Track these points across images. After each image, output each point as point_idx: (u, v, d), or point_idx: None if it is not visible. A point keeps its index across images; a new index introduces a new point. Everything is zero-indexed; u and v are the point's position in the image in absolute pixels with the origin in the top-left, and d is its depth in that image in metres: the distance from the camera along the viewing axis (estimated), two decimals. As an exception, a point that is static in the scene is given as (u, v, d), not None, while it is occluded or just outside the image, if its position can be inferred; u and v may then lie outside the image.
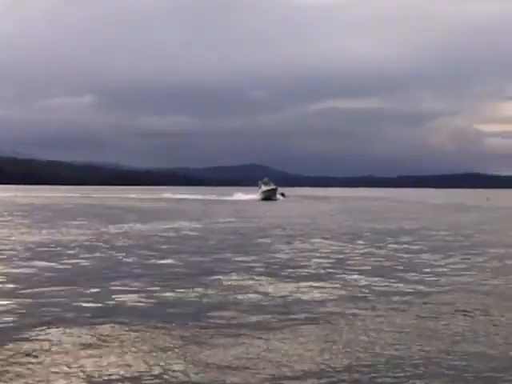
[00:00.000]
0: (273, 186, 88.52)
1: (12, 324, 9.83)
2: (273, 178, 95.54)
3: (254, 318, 10.40)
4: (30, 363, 7.72)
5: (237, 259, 18.56)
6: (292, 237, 26.83)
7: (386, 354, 8.34)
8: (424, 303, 11.89)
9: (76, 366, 7.64)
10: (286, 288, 13.46)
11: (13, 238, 24.67)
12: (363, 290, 13.43)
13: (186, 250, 20.90)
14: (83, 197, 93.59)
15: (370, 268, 17.01)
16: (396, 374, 7.48)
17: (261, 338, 9.04)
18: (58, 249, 20.87)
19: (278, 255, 19.82)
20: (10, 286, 13.36)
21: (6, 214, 42.59)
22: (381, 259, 19.08)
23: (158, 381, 7.23)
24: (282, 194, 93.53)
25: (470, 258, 19.49)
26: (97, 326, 9.59)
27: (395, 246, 23.41)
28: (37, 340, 8.78)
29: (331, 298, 12.44)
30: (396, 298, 12.39)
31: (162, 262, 17.86)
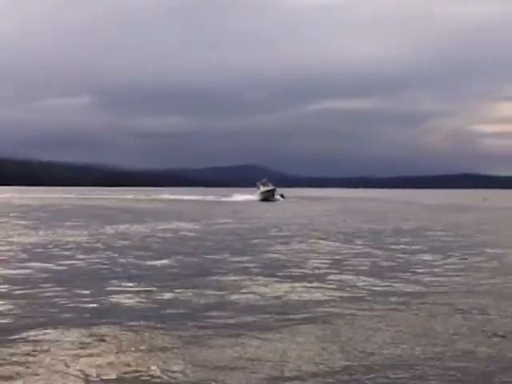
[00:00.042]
0: (271, 187, 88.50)
1: (9, 325, 9.80)
2: (271, 178, 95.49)
3: (251, 319, 10.39)
4: (27, 363, 7.70)
5: (234, 260, 18.54)
6: (290, 237, 26.82)
7: (384, 353, 8.32)
8: (422, 303, 11.88)
9: (74, 366, 7.62)
10: (283, 288, 13.44)
11: (9, 239, 24.62)
12: (361, 290, 13.42)
13: (184, 251, 20.88)
14: (80, 198, 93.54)
15: (367, 268, 17.01)
16: (394, 375, 7.47)
17: (259, 338, 9.02)
18: (55, 250, 20.84)
19: (275, 256, 19.81)
20: (7, 286, 13.32)
21: (2, 215, 42.50)
22: (378, 259, 19.08)
23: (156, 381, 7.22)
24: (282, 195, 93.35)
25: (467, 258, 19.49)
26: (94, 327, 9.57)
27: (393, 246, 23.41)
28: (34, 341, 8.75)
29: (329, 298, 12.43)
30: (394, 299, 12.38)
31: (160, 262, 17.83)
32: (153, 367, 7.62)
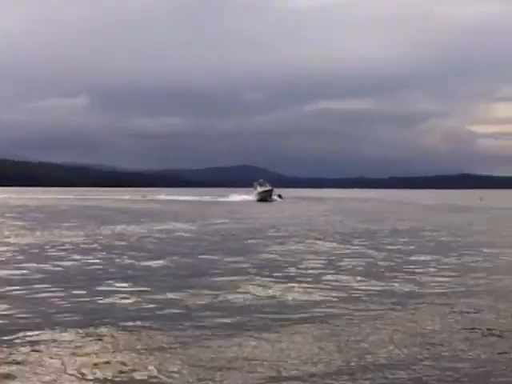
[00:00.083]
0: (268, 187, 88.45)
1: (5, 325, 9.77)
2: (269, 179, 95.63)
3: (248, 319, 10.38)
4: (24, 363, 7.68)
5: (231, 260, 18.53)
6: (286, 238, 26.83)
7: (381, 353, 8.33)
8: (418, 303, 11.89)
9: (71, 366, 7.61)
10: (280, 288, 13.44)
11: (5, 239, 24.57)
12: (357, 290, 13.42)
13: (180, 252, 20.86)
14: (76, 198, 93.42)
15: (364, 268, 17.01)
16: (392, 375, 7.47)
17: (256, 338, 9.02)
18: (52, 250, 20.81)
19: (272, 256, 19.80)
20: (3, 287, 13.28)
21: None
22: (375, 260, 19.09)
23: (153, 381, 7.21)
24: (279, 196, 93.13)
25: (464, 259, 19.51)
26: (91, 327, 9.55)
27: (389, 246, 23.43)
28: (31, 341, 8.73)
29: (326, 298, 12.43)
30: (390, 299, 12.39)
31: (156, 263, 17.81)
32: (150, 367, 7.61)
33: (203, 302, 11.85)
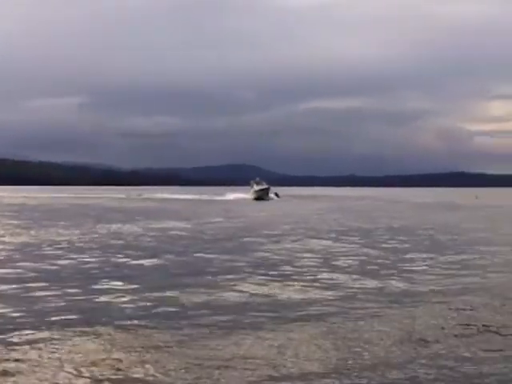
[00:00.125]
0: (265, 186, 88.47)
1: (0, 324, 9.75)
2: (262, 177, 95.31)
3: (244, 317, 10.39)
4: (21, 361, 7.67)
5: (227, 258, 18.54)
6: (282, 236, 26.84)
7: (377, 351, 8.34)
8: (414, 301, 11.91)
9: (68, 364, 7.60)
10: (275, 287, 13.45)
11: (1, 238, 24.52)
12: (353, 288, 13.44)
13: (176, 250, 20.86)
14: (72, 197, 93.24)
15: (359, 267, 17.04)
16: (389, 373, 7.48)
17: (252, 337, 9.02)
18: (48, 249, 20.77)
19: (267, 254, 19.82)
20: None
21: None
22: (370, 258, 19.11)
23: (150, 379, 7.20)
24: (276, 194, 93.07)
25: (460, 256, 19.55)
26: (87, 326, 9.54)
27: (385, 245, 23.46)
28: (27, 340, 8.72)
29: (322, 296, 12.44)
30: (386, 297, 12.41)
31: (152, 261, 17.80)
32: (146, 365, 7.61)
33: (199, 301, 11.85)
